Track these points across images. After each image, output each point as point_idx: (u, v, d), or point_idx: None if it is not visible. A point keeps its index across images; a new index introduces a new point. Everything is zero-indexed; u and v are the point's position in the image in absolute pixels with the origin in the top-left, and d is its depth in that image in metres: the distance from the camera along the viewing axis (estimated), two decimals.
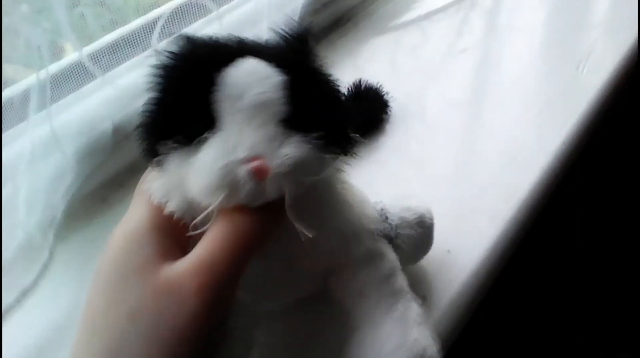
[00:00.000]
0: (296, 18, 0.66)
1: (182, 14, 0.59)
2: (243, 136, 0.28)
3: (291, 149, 0.28)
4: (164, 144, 0.29)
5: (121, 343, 0.26)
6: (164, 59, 0.30)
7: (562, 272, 1.05)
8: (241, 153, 0.27)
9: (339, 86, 0.33)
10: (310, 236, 0.29)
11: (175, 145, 0.29)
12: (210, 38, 0.32)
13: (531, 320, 0.98)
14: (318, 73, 0.32)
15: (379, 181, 0.55)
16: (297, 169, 0.28)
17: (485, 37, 0.77)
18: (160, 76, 0.30)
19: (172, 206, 0.30)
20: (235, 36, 0.32)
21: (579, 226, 1.08)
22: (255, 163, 0.27)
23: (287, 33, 0.32)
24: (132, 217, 0.30)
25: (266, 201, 0.28)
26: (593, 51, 0.72)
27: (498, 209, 0.52)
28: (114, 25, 0.57)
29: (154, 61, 0.31)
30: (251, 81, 0.29)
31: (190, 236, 0.30)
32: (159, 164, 0.30)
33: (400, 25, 0.80)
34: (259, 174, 0.27)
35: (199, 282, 0.27)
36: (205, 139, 0.28)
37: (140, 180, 0.33)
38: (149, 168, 0.31)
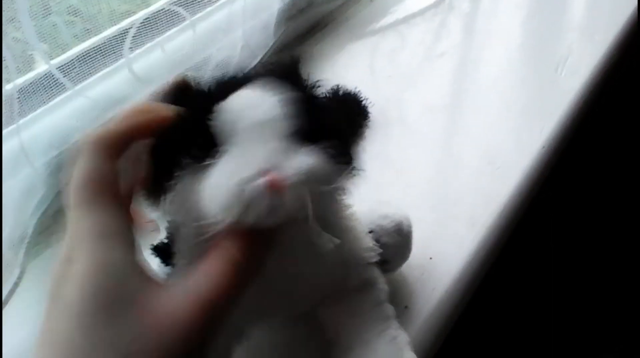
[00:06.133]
0: (272, 25, 0.66)
1: (156, 22, 0.58)
2: (251, 153, 0.27)
3: (303, 159, 0.28)
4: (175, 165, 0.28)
5: None
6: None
7: (545, 276, 1.05)
8: (254, 168, 0.27)
9: (331, 105, 0.34)
10: (337, 243, 0.29)
11: (185, 166, 0.28)
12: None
13: (515, 324, 0.98)
14: (312, 93, 0.32)
15: (358, 186, 0.54)
16: (312, 177, 0.27)
17: (463, 41, 0.76)
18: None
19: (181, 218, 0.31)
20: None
21: (561, 229, 1.08)
22: (269, 176, 0.26)
23: (273, 63, 0.33)
24: (101, 249, 0.27)
25: (286, 216, 0.27)
26: (571, 53, 0.72)
27: (478, 214, 0.52)
28: (88, 34, 0.55)
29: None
30: (247, 104, 0.29)
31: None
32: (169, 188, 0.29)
33: (377, 30, 0.79)
34: (275, 187, 0.26)
35: (200, 318, 0.26)
36: (213, 162, 0.28)
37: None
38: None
